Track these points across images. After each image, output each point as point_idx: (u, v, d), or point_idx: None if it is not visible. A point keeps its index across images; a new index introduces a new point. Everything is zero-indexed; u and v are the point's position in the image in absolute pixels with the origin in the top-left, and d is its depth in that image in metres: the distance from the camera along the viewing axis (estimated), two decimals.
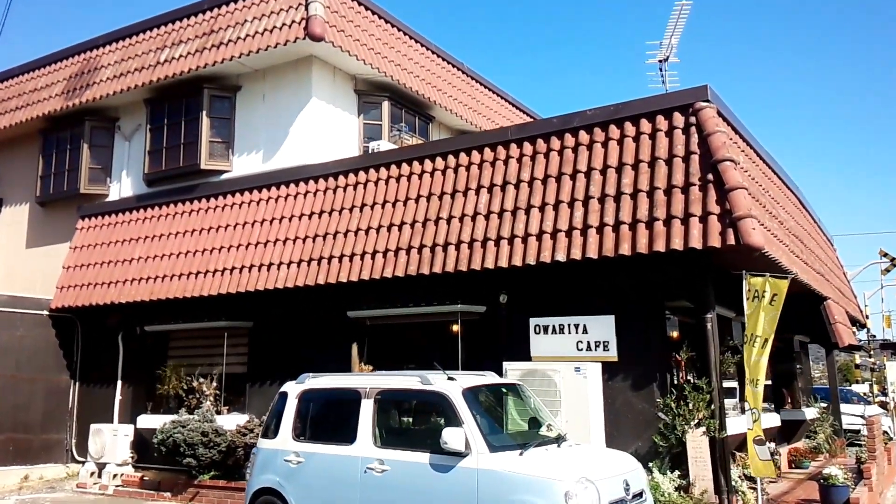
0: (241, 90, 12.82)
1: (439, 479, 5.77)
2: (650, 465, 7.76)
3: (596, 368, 8.38)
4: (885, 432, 21.16)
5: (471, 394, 6.18)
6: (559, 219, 8.60)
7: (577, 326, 8.83)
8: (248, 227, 11.20)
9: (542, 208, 8.84)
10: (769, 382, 13.41)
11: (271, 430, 7.14)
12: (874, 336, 31.71)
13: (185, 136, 12.94)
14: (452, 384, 6.17)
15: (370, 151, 11.50)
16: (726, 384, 9.85)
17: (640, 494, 6.14)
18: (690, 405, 7.75)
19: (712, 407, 7.75)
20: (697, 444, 7.59)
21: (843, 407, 20.58)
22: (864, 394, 28.82)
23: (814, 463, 13.44)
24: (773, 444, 12.44)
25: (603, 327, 8.63)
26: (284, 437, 6.96)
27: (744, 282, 7.93)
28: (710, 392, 7.77)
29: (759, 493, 7.91)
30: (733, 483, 8.10)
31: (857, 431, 17.09)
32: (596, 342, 8.67)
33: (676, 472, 7.64)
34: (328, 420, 7.08)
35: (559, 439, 6.40)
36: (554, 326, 8.97)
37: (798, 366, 16.38)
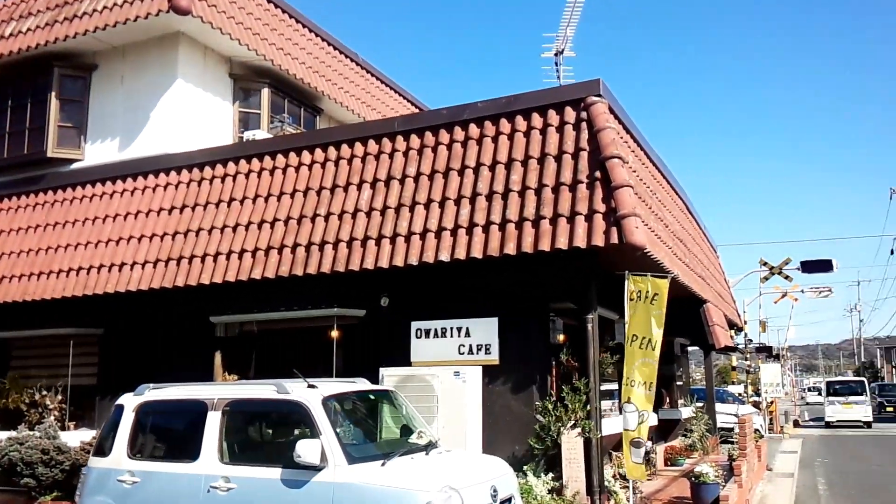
0: (97, 70, 12.05)
1: (291, 496, 5.59)
2: (525, 468, 7.94)
3: (476, 372, 8.48)
4: (756, 430, 22.80)
5: (332, 402, 6.04)
6: (444, 216, 8.62)
7: (459, 330, 8.91)
8: (98, 222, 10.52)
9: (427, 205, 8.83)
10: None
11: (105, 448, 6.69)
12: (751, 340, 34.12)
13: (30, 121, 12.04)
14: (312, 392, 6.02)
15: (244, 141, 11.13)
16: (608, 386, 10.31)
17: (509, 500, 6.23)
18: (568, 407, 8.00)
19: (588, 408, 8.03)
20: (572, 446, 7.84)
21: (719, 406, 22.00)
22: (739, 394, 30.99)
23: (689, 460, 14.26)
24: (650, 443, 13.12)
25: (486, 330, 8.75)
26: (119, 455, 6.53)
27: (626, 282, 8.28)
28: (587, 393, 8.05)
29: (630, 492, 8.29)
30: (606, 483, 8.43)
31: (731, 429, 18.24)
32: (478, 345, 8.78)
33: (550, 475, 7.85)
34: (170, 435, 6.72)
35: (429, 447, 6.34)
36: (436, 330, 9.00)
37: (678, 367, 17.36)
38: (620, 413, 8.24)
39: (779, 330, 63.71)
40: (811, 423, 37.09)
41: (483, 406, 8.51)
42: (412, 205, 8.86)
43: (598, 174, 8.09)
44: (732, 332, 26.72)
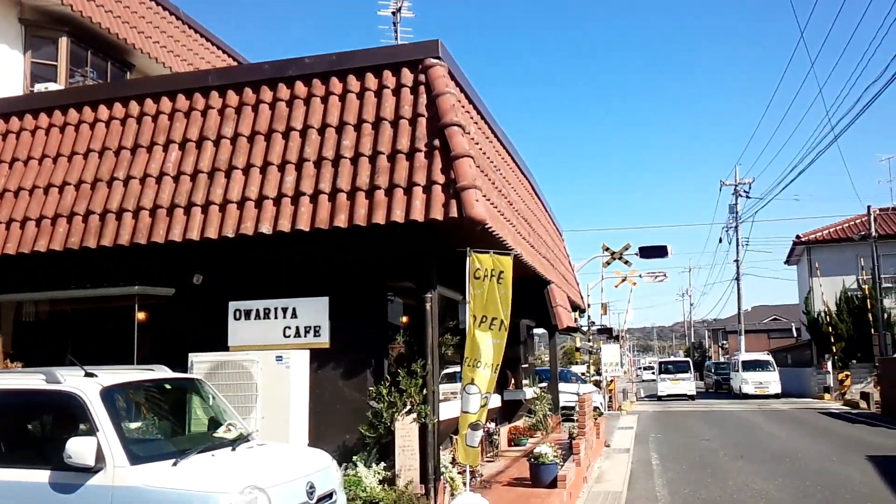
0: None
1: (61, 503, 4.71)
2: (355, 458, 7.37)
3: (304, 357, 7.77)
4: (596, 408, 23.69)
5: (115, 393, 5.16)
6: (266, 184, 7.80)
7: (285, 310, 8.14)
8: None
9: (246, 171, 7.97)
10: None
11: None
12: (594, 322, 35.68)
13: None
14: (89, 382, 5.09)
15: (32, 93, 9.64)
16: (453, 369, 9.94)
17: (330, 496, 5.68)
18: (403, 392, 7.49)
19: (425, 392, 7.56)
20: (407, 433, 7.35)
21: (562, 386, 22.54)
22: (582, 374, 32.24)
23: (532, 440, 14.40)
24: (493, 425, 13.02)
25: (315, 311, 8.05)
26: None
27: (467, 259, 7.88)
28: (424, 377, 7.58)
29: (466, 476, 7.94)
30: (444, 469, 8.04)
31: (573, 408, 18.68)
32: (306, 328, 8.06)
33: (383, 464, 7.33)
34: None
35: (238, 441, 5.68)
36: (258, 311, 8.19)
37: (523, 348, 17.48)
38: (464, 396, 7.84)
39: (619, 313, 67.48)
40: (646, 399, 39.42)
41: (311, 393, 7.82)
42: (228, 169, 7.97)
43: (436, 142, 7.59)
44: (576, 314, 27.68)
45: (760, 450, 15.54)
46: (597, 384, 29.97)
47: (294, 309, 8.11)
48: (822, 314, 32.18)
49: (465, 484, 8.03)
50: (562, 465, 9.90)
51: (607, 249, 31.97)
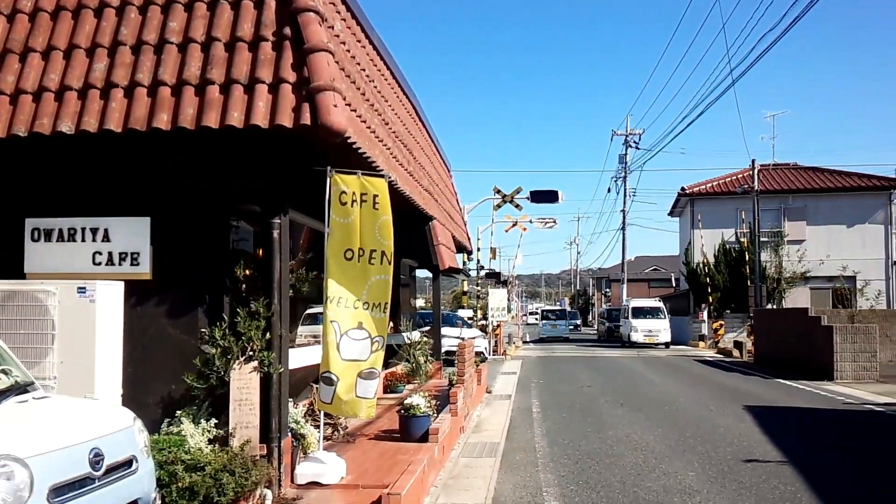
0: None
1: None
2: (179, 413, 6.06)
3: (115, 290, 6.28)
4: (480, 353, 23.12)
5: None
6: (70, 71, 6.16)
7: (94, 232, 6.59)
8: None
9: (45, 54, 6.31)
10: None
11: None
12: (482, 266, 35.23)
13: None
14: None
15: None
16: (317, 310, 8.71)
17: (128, 464, 4.42)
18: (241, 335, 6.18)
19: (269, 336, 6.29)
20: (244, 384, 6.09)
21: (446, 330, 21.84)
22: (469, 318, 31.83)
23: (409, 386, 13.54)
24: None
25: (133, 233, 6.55)
26: None
27: (328, 180, 6.61)
28: (268, 318, 6.29)
29: (320, 433, 6.83)
30: (294, 425, 6.88)
31: (456, 353, 17.97)
32: (122, 254, 6.56)
33: (213, 421, 6.06)
34: None
35: (7, 393, 4.41)
36: (62, 231, 6.60)
37: (403, 291, 16.43)
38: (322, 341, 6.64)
39: (508, 259, 68.14)
40: (531, 343, 39.75)
41: (128, 335, 6.39)
42: (23, 52, 6.30)
43: (287, 31, 6.15)
44: (463, 256, 26.96)
45: (640, 397, 15.31)
46: (483, 329, 29.60)
47: (106, 230, 6.57)
48: (701, 265, 33.03)
49: (319, 441, 6.89)
50: (435, 417, 8.95)
51: (498, 192, 31.31)
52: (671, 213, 43.40)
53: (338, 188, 6.58)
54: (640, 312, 34.49)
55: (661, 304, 35.48)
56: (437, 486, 7.72)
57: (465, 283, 35.01)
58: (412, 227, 12.31)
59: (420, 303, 40.85)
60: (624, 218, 50.74)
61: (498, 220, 34.99)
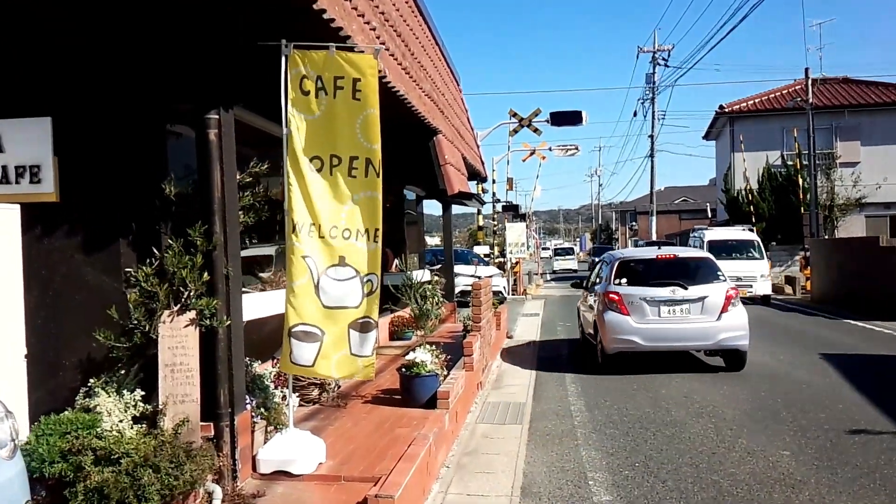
0: None
1: None
2: (93, 382, 4.66)
3: (9, 215, 4.83)
4: (498, 293, 21.87)
5: None
6: None
7: None
8: None
9: None
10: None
11: None
12: (498, 199, 33.62)
13: None
14: None
15: None
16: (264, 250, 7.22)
17: None
18: (172, 276, 4.73)
19: (212, 277, 4.83)
20: (178, 343, 4.65)
21: (460, 268, 20.48)
22: (485, 255, 30.44)
23: (418, 332, 12.32)
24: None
25: (30, 139, 5.05)
26: None
27: (282, 58, 5.05)
28: (208, 251, 4.82)
29: (290, 404, 5.44)
30: (259, 393, 5.49)
31: (471, 293, 16.63)
32: (19, 168, 5.07)
33: (140, 393, 4.66)
34: None
35: None
36: None
37: (407, 221, 14.96)
38: (287, 284, 5.19)
39: (525, 194, 66.45)
40: (553, 282, 38.46)
41: (31, 275, 4.98)
42: None
43: None
44: (479, 186, 25.34)
45: None
46: (500, 267, 28.23)
47: None
48: (743, 192, 31.19)
49: (290, 413, 5.50)
50: (445, 375, 7.57)
51: (515, 115, 29.48)
52: (706, 136, 41.34)
53: (298, 71, 5.02)
54: (720, 249, 21.68)
55: (754, 237, 23.76)
56: (448, 467, 6.37)
57: (481, 217, 33.42)
58: (413, 145, 10.76)
59: (436, 241, 39.49)
60: (652, 143, 48.68)
61: (514, 149, 33.29)
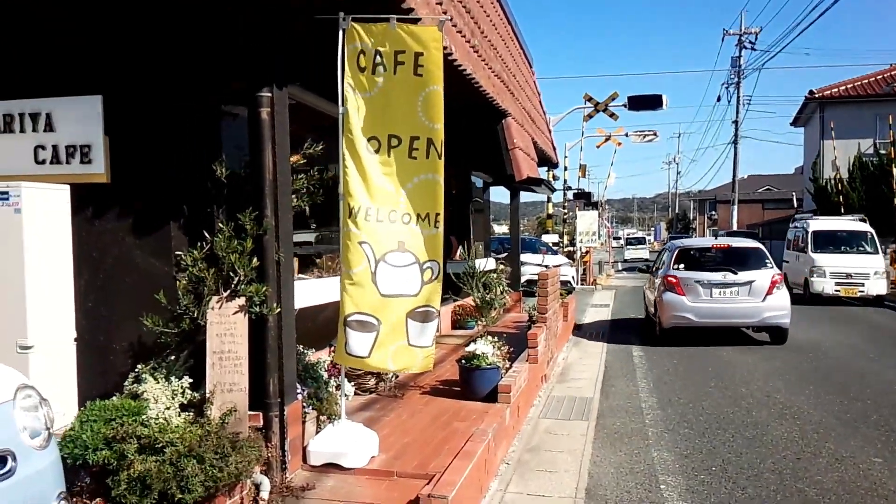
0: None
1: None
2: (142, 369, 4.58)
3: (58, 196, 4.81)
4: (566, 283, 21.43)
5: None
6: None
7: (36, 118, 5.08)
8: None
9: None
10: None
11: None
12: (570, 187, 32.99)
13: None
14: None
15: None
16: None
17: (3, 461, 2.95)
18: (221, 262, 4.60)
19: (262, 262, 4.68)
20: (227, 329, 4.53)
21: (527, 257, 20.12)
22: (554, 244, 29.93)
23: (481, 322, 12.16)
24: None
25: (81, 118, 5.00)
26: None
27: (340, 32, 4.85)
28: (258, 235, 4.67)
29: (342, 395, 5.27)
30: (312, 383, 5.34)
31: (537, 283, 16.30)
32: (70, 147, 5.03)
33: (188, 380, 4.55)
34: None
35: None
36: None
37: (473, 208, 14.70)
38: (346, 269, 5.01)
39: (598, 182, 65.37)
40: (624, 272, 37.60)
41: (82, 257, 4.96)
42: None
43: None
44: (551, 172, 24.83)
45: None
46: (569, 256, 27.70)
47: (49, 116, 5.05)
48: (833, 181, 29.72)
49: (341, 404, 5.34)
50: (507, 368, 7.31)
51: (590, 100, 28.72)
52: (794, 123, 39.65)
53: (355, 46, 4.81)
54: (827, 240, 20.50)
55: (867, 228, 21.23)
56: (508, 464, 6.11)
57: (551, 205, 32.90)
58: (480, 129, 10.47)
59: (503, 230, 39.11)
60: (736, 129, 47.11)
61: (588, 135, 32.56)
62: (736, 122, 46.02)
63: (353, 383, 6.30)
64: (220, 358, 4.50)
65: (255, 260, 4.58)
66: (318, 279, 6.53)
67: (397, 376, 7.57)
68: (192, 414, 4.44)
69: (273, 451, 4.56)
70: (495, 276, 13.98)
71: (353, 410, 6.34)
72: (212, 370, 4.47)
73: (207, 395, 4.43)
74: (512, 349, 7.86)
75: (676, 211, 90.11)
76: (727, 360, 11.15)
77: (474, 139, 11.28)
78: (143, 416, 4.27)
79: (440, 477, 4.53)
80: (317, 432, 5.12)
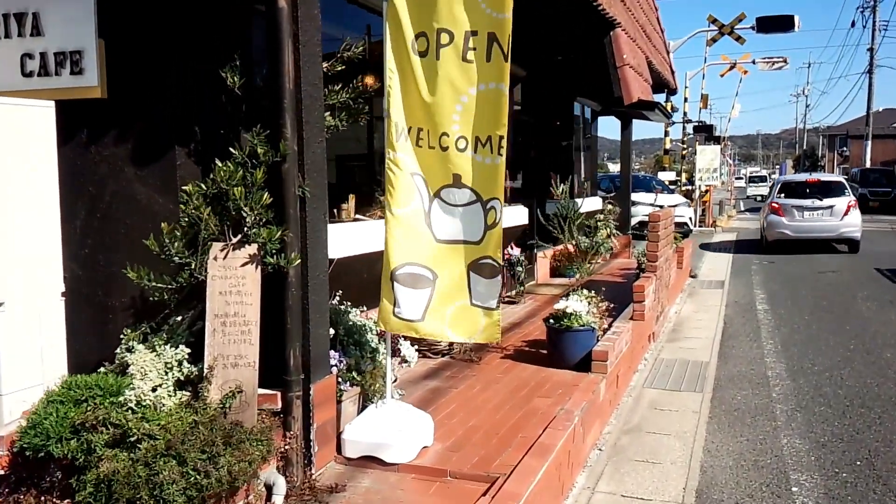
0: None
1: None
2: (128, 335, 3.63)
3: (39, 116, 3.85)
4: (683, 225, 19.58)
5: None
6: None
7: (21, 19, 4.12)
8: None
9: None
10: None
11: None
12: (689, 120, 30.51)
13: None
14: None
15: None
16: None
17: None
18: (226, 196, 3.53)
19: (270, 198, 3.58)
20: (233, 286, 3.49)
21: (639, 196, 18.42)
22: (671, 182, 27.73)
23: (587, 268, 10.89)
24: (517, 251, 9.18)
25: (71, 18, 4.00)
26: None
27: None
28: (278, 162, 3.57)
29: (388, 364, 4.17)
30: (355, 351, 4.27)
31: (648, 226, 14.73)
32: (59, 55, 4.05)
33: (185, 350, 3.56)
34: None
35: None
36: None
37: (576, 139, 13.19)
38: (401, 208, 3.90)
39: (721, 117, 61.60)
40: (747, 212, 34.92)
41: (74, 192, 4.01)
42: None
43: None
44: (670, 102, 22.63)
45: None
46: (687, 195, 25.55)
47: (35, 16, 4.07)
48: None
49: (388, 380, 4.25)
50: (604, 329, 6.03)
51: (714, 22, 26.06)
52: None
53: None
54: None
55: None
56: (600, 450, 4.92)
57: (668, 140, 30.54)
58: (585, 45, 8.98)
59: (617, 168, 36.88)
60: (871, 58, 42.78)
61: (712, 62, 29.86)
62: (871, 50, 41.87)
63: (417, 346, 5.22)
64: (224, 323, 3.48)
65: (265, 195, 3.48)
66: (375, 221, 5.43)
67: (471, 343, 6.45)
68: (190, 393, 3.46)
69: (294, 442, 3.54)
70: (602, 217, 12.57)
71: (418, 378, 5.29)
72: (212, 338, 3.46)
73: (206, 372, 3.43)
74: (613, 306, 6.58)
75: (804, 147, 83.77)
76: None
77: (578, 58, 9.78)
78: (123, 397, 3.33)
79: (502, 485, 3.39)
80: (359, 414, 4.07)
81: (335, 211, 5.49)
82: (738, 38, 25.54)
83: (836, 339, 8.30)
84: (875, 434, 5.31)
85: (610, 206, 12.70)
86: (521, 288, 9.03)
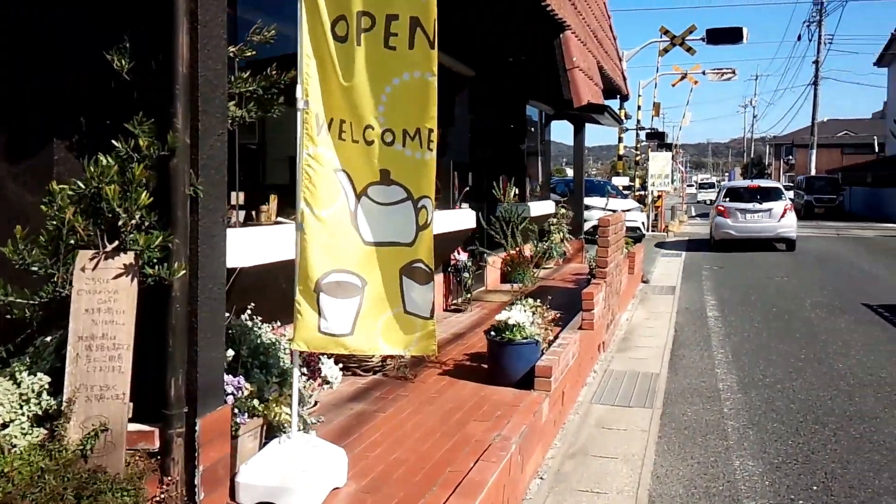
0: None
1: None
2: None
3: None
4: (636, 230, 19.28)
5: None
6: None
7: None
8: None
9: None
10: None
11: None
12: (643, 127, 30.37)
13: None
14: None
15: None
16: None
17: None
18: (95, 197, 2.89)
19: (149, 198, 2.95)
20: (102, 302, 2.85)
21: (592, 200, 18.04)
22: (625, 187, 27.49)
23: (544, 270, 10.49)
24: (463, 256, 8.63)
25: None
26: None
27: None
28: (165, 157, 2.94)
29: (295, 389, 3.55)
30: (271, 380, 3.63)
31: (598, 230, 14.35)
32: None
33: (45, 378, 2.91)
34: None
35: None
36: None
37: (529, 142, 12.71)
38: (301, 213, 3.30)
39: (672, 126, 62.21)
40: (698, 217, 34.97)
41: None
42: None
43: None
44: (623, 109, 22.32)
45: (862, 298, 10.96)
46: (640, 200, 25.32)
47: None
48: None
49: (294, 412, 3.63)
50: (550, 341, 5.49)
51: (666, 33, 25.95)
52: (878, 62, 35.73)
53: None
54: None
55: None
56: (542, 478, 4.37)
57: (622, 145, 30.32)
58: (537, 47, 8.49)
59: (572, 173, 36.59)
60: (817, 70, 43.44)
61: (664, 72, 29.81)
62: (816, 63, 42.54)
63: (344, 364, 4.61)
64: (89, 347, 2.84)
65: (144, 195, 2.85)
66: (281, 225, 4.80)
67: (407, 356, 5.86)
68: (46, 432, 2.82)
69: (172, 489, 2.91)
70: (555, 221, 12.11)
71: (343, 401, 4.68)
72: (73, 366, 2.82)
73: (64, 406, 2.78)
74: (561, 315, 6.07)
75: (752, 156, 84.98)
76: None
77: (529, 61, 9.27)
78: None
79: None
80: (259, 450, 3.44)
81: (254, 213, 4.86)
82: (689, 49, 25.46)
83: (786, 347, 7.93)
84: (830, 454, 4.88)
85: (563, 210, 12.28)
86: (469, 295, 8.49)
